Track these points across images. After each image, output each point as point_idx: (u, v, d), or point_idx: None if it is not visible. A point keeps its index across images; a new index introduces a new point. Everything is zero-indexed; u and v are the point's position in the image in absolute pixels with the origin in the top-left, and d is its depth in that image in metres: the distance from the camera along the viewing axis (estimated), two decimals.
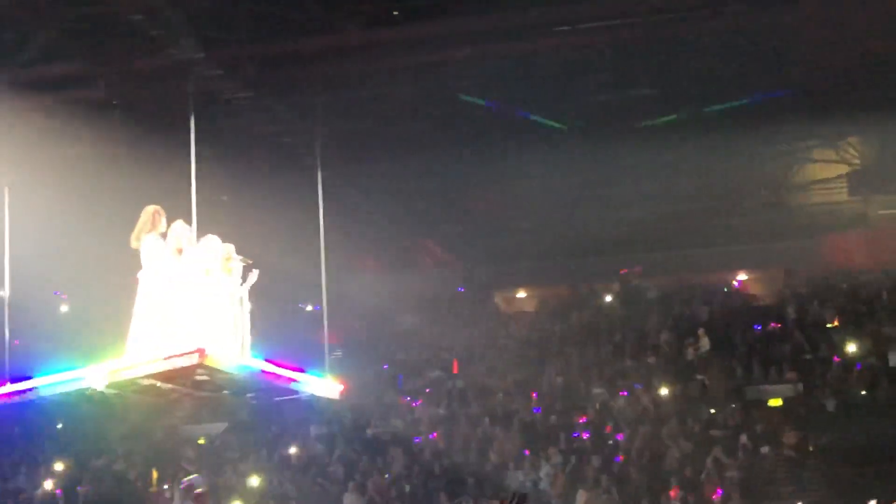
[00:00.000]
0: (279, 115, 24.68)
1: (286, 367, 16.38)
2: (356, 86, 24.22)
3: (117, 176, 26.37)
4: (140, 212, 16.01)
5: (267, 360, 16.15)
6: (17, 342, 34.33)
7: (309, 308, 36.00)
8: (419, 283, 37.19)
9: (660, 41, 23.10)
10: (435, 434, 30.21)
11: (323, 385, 17.31)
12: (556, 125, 22.40)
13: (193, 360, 14.60)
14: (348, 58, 22.65)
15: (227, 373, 15.31)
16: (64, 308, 36.11)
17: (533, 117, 22.22)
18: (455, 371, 33.48)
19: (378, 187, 30.62)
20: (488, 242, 36.48)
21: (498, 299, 37.94)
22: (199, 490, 17.65)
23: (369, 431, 30.92)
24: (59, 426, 32.11)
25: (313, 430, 31.16)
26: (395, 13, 22.15)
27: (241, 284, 16.38)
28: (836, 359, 30.20)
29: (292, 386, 16.55)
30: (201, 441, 31.90)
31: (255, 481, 28.99)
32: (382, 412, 31.55)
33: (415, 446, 29.89)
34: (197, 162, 19.42)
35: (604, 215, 34.34)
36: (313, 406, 27.91)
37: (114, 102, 23.11)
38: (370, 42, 22.17)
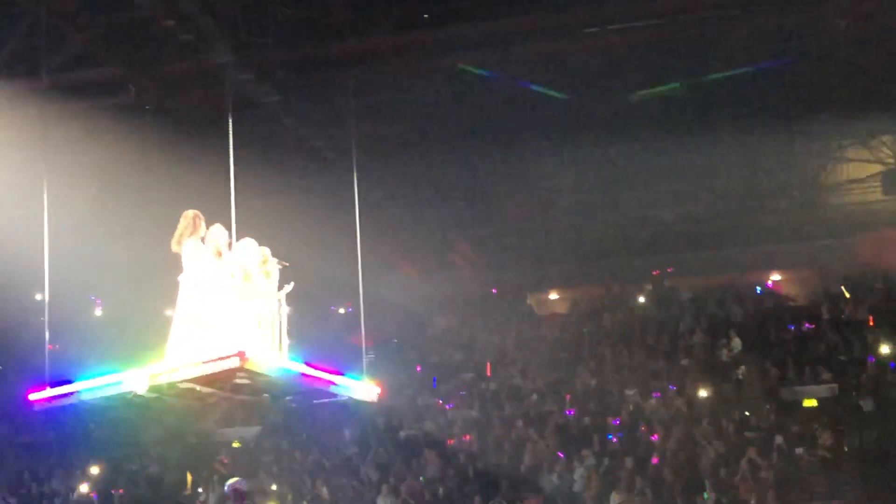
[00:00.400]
0: (311, 118, 24.76)
1: (324, 370, 16.42)
2: (387, 89, 24.27)
3: (151, 180, 26.56)
4: (173, 216, 16.09)
5: (305, 363, 16.19)
6: (51, 346, 34.67)
7: (341, 311, 36.11)
8: (452, 286, 37.21)
9: (689, 41, 23.02)
10: (468, 436, 30.21)
11: (361, 387, 17.32)
12: (557, 94, 22.25)
13: (234, 363, 14.64)
14: (379, 61, 22.68)
15: (266, 376, 15.35)
16: (98, 312, 36.35)
17: (533, 87, 22.08)
18: (488, 373, 33.47)
19: (410, 190, 30.66)
20: (521, 244, 36.47)
21: (531, 301, 37.90)
22: (244, 491, 17.68)
23: (402, 434, 30.94)
24: (94, 430, 32.26)
25: (347, 433, 31.21)
26: (426, 16, 22.16)
27: (279, 288, 16.43)
28: (870, 359, 30.04)
29: (331, 389, 16.58)
30: (235, 444, 32.02)
31: (288, 484, 29.07)
32: (416, 414, 31.58)
33: (448, 449, 29.90)
34: (238, 167, 19.55)
35: (636, 216, 34.29)
36: (347, 409, 27.98)
37: (146, 107, 23.23)
38: (401, 45, 22.20)
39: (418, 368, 34.19)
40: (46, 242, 17.67)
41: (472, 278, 37.70)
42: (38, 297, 33.59)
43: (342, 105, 24.51)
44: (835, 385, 29.65)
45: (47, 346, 18.03)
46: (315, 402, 18.00)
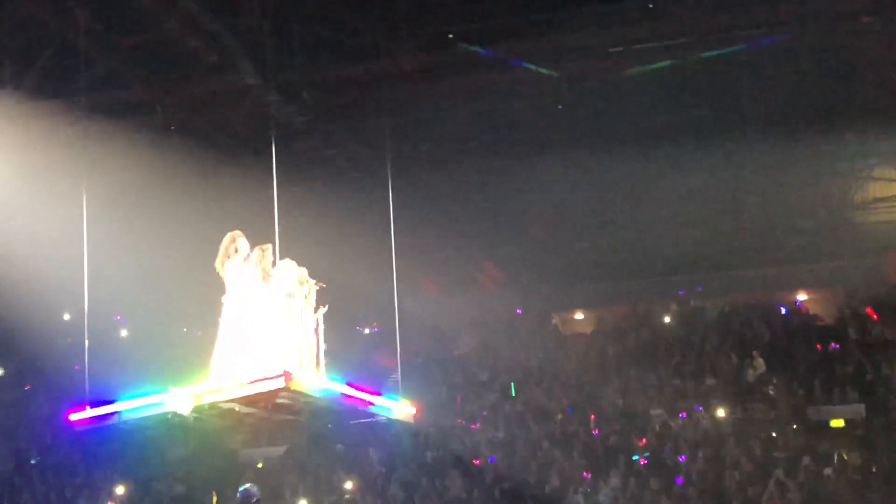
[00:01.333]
0: (338, 139, 24.83)
1: (364, 390, 16.46)
2: (412, 109, 24.32)
3: (178, 200, 26.65)
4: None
5: (346, 383, 16.24)
6: (77, 367, 34.81)
7: (367, 331, 36.08)
8: (477, 306, 37.14)
9: (715, 61, 23.01)
10: (494, 457, 30.12)
11: (398, 408, 17.33)
12: (547, 72, 22.18)
13: (279, 383, 14.68)
14: (404, 82, 22.74)
15: (309, 396, 15.37)
16: (123, 332, 36.44)
17: (525, 65, 22.03)
18: (514, 393, 33.37)
19: (435, 210, 30.66)
20: (546, 264, 36.40)
21: (556, 321, 37.77)
22: (255, 499, 17.66)
23: (428, 454, 30.86)
24: (121, 451, 32.28)
25: (372, 453, 31.15)
26: (450, 36, 22.22)
27: (316, 308, 16.48)
28: None
29: (369, 409, 16.59)
30: (260, 465, 31.99)
31: None
32: (441, 435, 31.49)
33: (474, 469, 29.80)
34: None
35: (662, 235, 34.21)
36: (372, 429, 27.93)
37: (171, 127, 23.34)
38: (426, 66, 22.25)
39: (443, 389, 34.09)
40: (86, 264, 17.69)
41: (497, 298, 37.62)
42: (67, 316, 33.92)
43: (367, 125, 24.63)
44: (862, 405, 29.45)
45: (87, 367, 18.03)
46: (353, 422, 18.02)
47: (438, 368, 34.82)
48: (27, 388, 35.81)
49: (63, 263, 27.04)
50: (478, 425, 31.91)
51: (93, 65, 22.12)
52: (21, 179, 24.72)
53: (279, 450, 32.52)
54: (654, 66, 23.20)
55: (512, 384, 33.56)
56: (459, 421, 32.20)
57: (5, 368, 37.17)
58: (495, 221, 33.11)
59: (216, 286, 16.37)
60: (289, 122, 22.12)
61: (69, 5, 20.93)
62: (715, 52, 22.36)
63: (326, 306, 16.50)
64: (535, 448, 30.01)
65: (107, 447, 31.75)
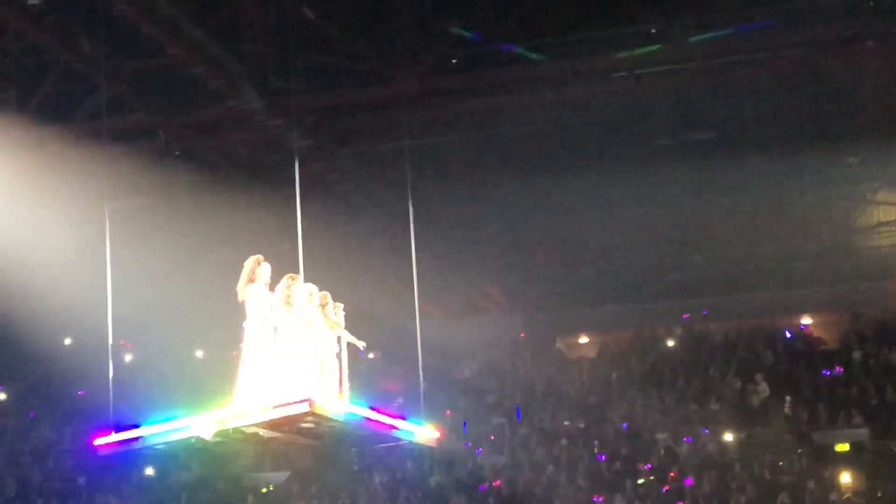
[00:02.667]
0: (342, 164, 24.87)
1: (387, 414, 16.44)
2: (415, 134, 24.34)
3: (185, 225, 26.70)
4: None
5: (370, 407, 16.22)
6: (81, 392, 34.81)
7: (370, 356, 36.01)
8: (481, 330, 37.11)
9: (719, 85, 23.05)
10: (498, 481, 30.05)
11: (421, 432, 17.32)
12: (535, 55, 22.14)
13: (303, 408, 14.66)
14: (407, 106, 22.78)
15: (333, 420, 15.36)
16: (128, 357, 36.42)
17: (516, 49, 22.01)
18: (518, 418, 33.31)
19: (438, 234, 30.67)
20: (550, 288, 36.40)
21: (560, 345, 37.74)
22: None
23: (432, 479, 30.79)
24: (124, 475, 32.24)
25: (377, 479, 31.09)
26: (454, 61, 22.27)
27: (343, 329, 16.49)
28: None
29: (392, 433, 16.57)
30: (264, 490, 31.92)
31: None
32: (446, 460, 31.41)
33: (478, 494, 29.74)
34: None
35: (666, 260, 34.22)
36: (377, 454, 27.89)
37: (176, 153, 23.40)
38: (430, 90, 22.29)
39: (448, 413, 34.02)
40: (109, 261, 17.66)
41: (501, 322, 37.61)
42: (67, 341, 33.94)
43: (373, 150, 24.68)
44: (867, 429, 29.38)
45: (111, 392, 17.97)
46: (376, 446, 18.00)
47: (442, 393, 34.75)
48: (32, 415, 35.77)
49: (67, 288, 27.17)
50: (482, 450, 31.84)
51: (98, 90, 22.20)
52: (28, 203, 24.79)
53: (283, 474, 32.46)
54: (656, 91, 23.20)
55: (517, 409, 33.51)
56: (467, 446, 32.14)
57: (10, 393, 37.17)
58: (500, 246, 33.12)
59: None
60: (292, 147, 22.10)
61: (75, 32, 21.02)
62: (716, 77, 22.31)
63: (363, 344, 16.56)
64: (540, 472, 29.94)
65: (110, 472, 31.72)
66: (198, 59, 20.06)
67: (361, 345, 16.80)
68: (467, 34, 21.77)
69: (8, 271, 26.85)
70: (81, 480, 32.24)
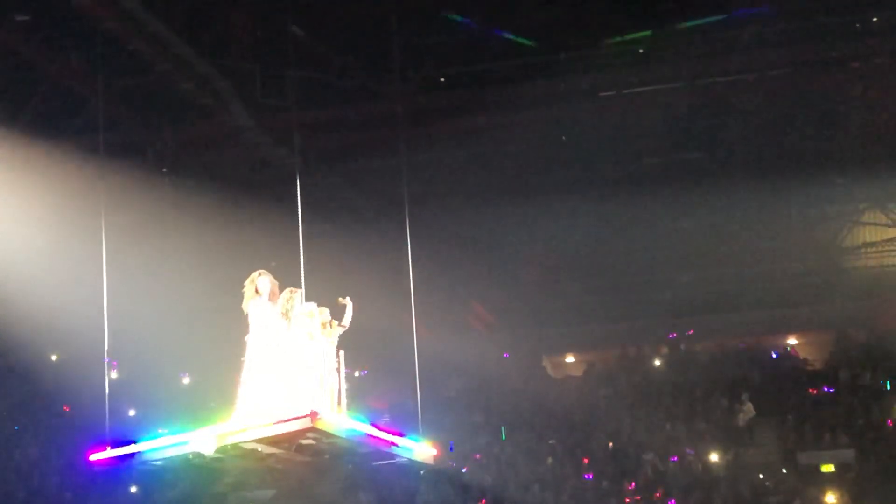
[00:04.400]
0: (330, 181, 24.87)
1: (388, 431, 16.40)
2: (402, 152, 24.37)
3: (175, 241, 26.69)
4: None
5: (371, 424, 16.19)
6: (67, 408, 34.69)
7: (356, 374, 35.95)
8: (468, 348, 37.09)
9: (707, 105, 23.13)
10: (484, 500, 30.00)
11: (419, 449, 17.28)
12: (526, 42, 22.16)
13: (305, 424, 14.61)
14: (395, 124, 22.81)
15: (334, 436, 15.31)
16: (114, 374, 36.30)
17: (505, 35, 22.02)
18: (504, 437, 33.27)
19: (424, 252, 30.66)
20: (537, 306, 36.41)
21: (547, 363, 37.74)
22: None
23: (419, 499, 30.74)
24: (109, 493, 32.13)
25: (363, 497, 31.01)
26: (442, 80, 22.32)
27: (340, 325, 16.47)
28: (889, 423, 29.82)
29: (391, 450, 16.53)
30: None
31: None
32: (432, 478, 31.35)
33: None
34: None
35: (652, 279, 34.26)
36: (362, 471, 27.81)
37: (164, 170, 23.39)
38: (418, 108, 22.32)
39: (433, 432, 33.97)
40: (105, 305, 17.64)
41: (487, 340, 37.60)
42: (54, 357, 33.85)
43: (360, 167, 24.68)
44: (853, 450, 29.40)
45: (107, 407, 17.91)
46: (374, 463, 17.95)
47: (428, 411, 34.68)
48: (16, 428, 35.63)
49: (54, 304, 27.12)
50: (468, 469, 31.79)
51: (87, 107, 22.22)
52: (17, 219, 24.76)
53: (268, 493, 32.36)
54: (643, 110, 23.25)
55: (503, 428, 33.49)
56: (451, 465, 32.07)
57: None
58: (486, 264, 33.12)
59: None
60: (282, 164, 22.15)
61: (64, 48, 21.04)
62: (703, 97, 22.38)
63: (350, 304, 16.52)
64: (526, 490, 29.90)
65: (95, 490, 31.61)
66: (187, 76, 20.07)
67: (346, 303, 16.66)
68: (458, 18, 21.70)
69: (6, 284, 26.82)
70: (67, 497, 32.10)
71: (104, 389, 18.08)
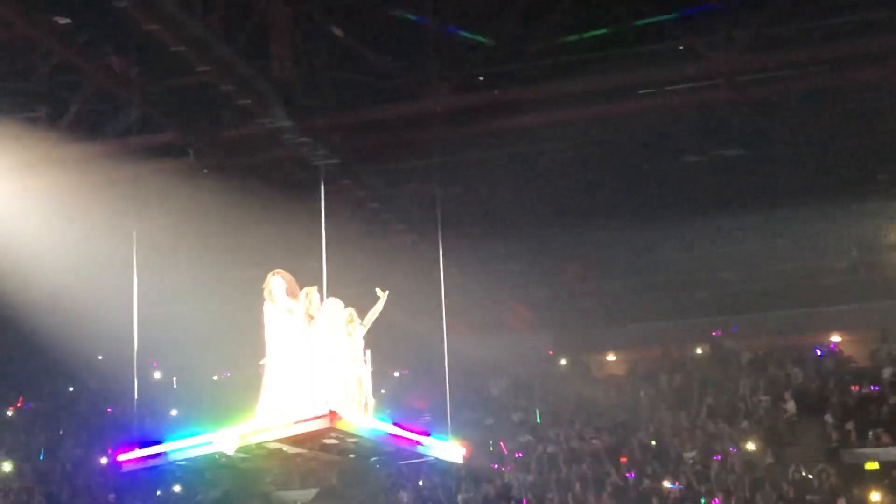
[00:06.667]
0: (370, 182, 24.91)
1: (412, 431, 16.41)
2: (443, 152, 24.38)
3: (214, 242, 26.83)
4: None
5: (394, 423, 16.21)
6: (110, 409, 34.96)
7: (396, 374, 36.04)
8: (509, 347, 37.10)
9: (747, 101, 22.98)
10: (526, 500, 30.01)
11: (447, 448, 17.27)
12: (481, 39, 22.08)
13: (325, 423, 14.66)
14: (435, 124, 22.82)
15: (356, 436, 15.34)
16: (157, 375, 36.59)
17: (460, 32, 21.94)
18: (546, 436, 33.26)
19: (466, 252, 30.71)
20: (578, 305, 36.38)
21: (588, 363, 37.70)
22: None
23: (460, 497, 30.76)
24: (153, 492, 32.35)
25: (404, 496, 31.09)
26: (480, 79, 22.30)
27: (364, 348, 16.49)
28: None
29: (417, 449, 16.54)
30: None
31: None
32: (473, 477, 31.39)
33: None
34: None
35: (695, 277, 34.15)
36: (402, 471, 27.88)
37: (205, 171, 23.50)
38: (455, 108, 22.31)
39: (474, 431, 33.99)
40: (136, 283, 17.77)
41: (529, 339, 37.60)
42: (99, 358, 34.11)
43: (401, 168, 24.70)
44: None
45: (135, 408, 18.03)
46: (401, 462, 17.97)
47: (469, 410, 34.75)
48: (61, 432, 35.95)
49: (98, 305, 27.34)
50: (509, 468, 31.80)
51: (127, 108, 22.37)
52: (59, 221, 24.96)
53: (311, 492, 32.48)
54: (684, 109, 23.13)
55: (537, 412, 33.52)
56: (495, 466, 32.08)
57: (40, 409, 37.39)
58: (529, 263, 33.11)
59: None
60: (319, 165, 22.18)
61: (105, 50, 21.18)
62: (743, 94, 22.22)
63: (384, 296, 16.54)
64: (568, 490, 29.87)
65: (139, 490, 31.85)
66: (226, 78, 20.14)
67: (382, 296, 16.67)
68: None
69: (40, 288, 27.06)
70: (111, 497, 32.34)
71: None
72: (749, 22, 21.03)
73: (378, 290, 16.73)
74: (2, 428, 36.39)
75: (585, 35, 21.80)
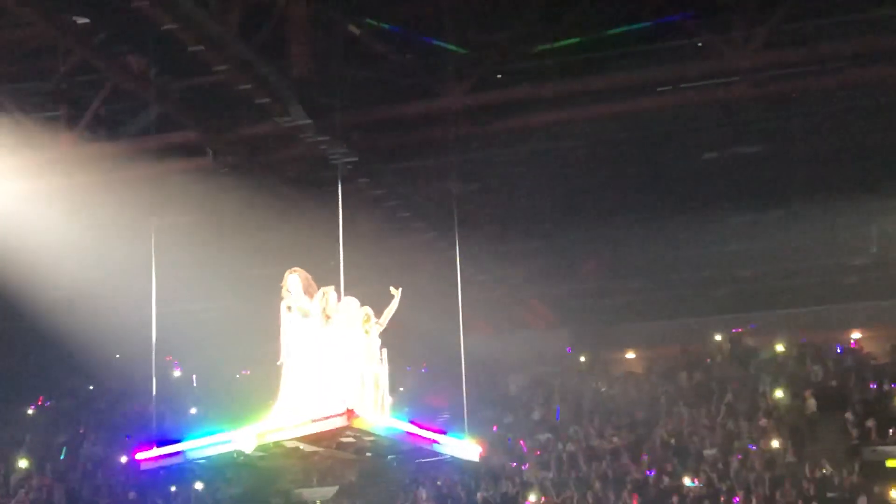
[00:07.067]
0: (388, 180, 24.94)
1: (428, 429, 16.42)
2: (462, 149, 24.38)
3: (232, 241, 26.87)
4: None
5: (410, 422, 16.22)
6: (136, 407, 35.04)
7: (414, 371, 36.02)
8: (527, 345, 37.09)
9: (767, 98, 22.93)
10: (545, 498, 29.99)
11: (463, 447, 17.28)
12: (460, 50, 22.05)
13: (342, 422, 14.69)
14: (454, 122, 22.82)
15: (373, 434, 15.36)
16: (177, 373, 36.69)
17: (435, 42, 21.92)
18: (564, 433, 33.23)
19: (486, 250, 30.71)
20: (597, 303, 36.34)
21: (607, 360, 37.66)
22: None
23: (479, 495, 30.76)
24: (174, 490, 32.44)
25: (423, 494, 31.10)
26: (498, 76, 22.29)
27: (380, 346, 16.50)
28: None
29: (433, 448, 16.55)
30: None
31: None
32: (492, 475, 31.39)
33: None
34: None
35: (714, 274, 34.07)
36: (423, 469, 27.87)
37: (223, 170, 23.55)
38: (473, 106, 22.31)
39: (494, 428, 34.01)
40: (154, 281, 17.84)
41: (547, 337, 37.58)
42: (117, 356, 34.19)
43: (420, 166, 24.71)
44: None
45: (154, 407, 18.11)
46: (417, 460, 18.01)
47: (488, 408, 34.78)
48: (81, 430, 36.08)
49: (118, 303, 27.43)
50: (528, 466, 31.80)
51: (146, 108, 22.44)
52: (77, 220, 25.05)
53: (331, 489, 32.52)
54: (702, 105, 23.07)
55: (557, 408, 33.50)
56: (513, 464, 32.07)
57: (60, 407, 37.54)
58: (547, 261, 33.08)
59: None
60: (337, 163, 22.22)
61: (123, 50, 21.24)
62: (763, 91, 22.16)
63: (398, 295, 16.54)
64: (587, 488, 29.85)
65: (159, 487, 31.93)
66: (244, 77, 20.17)
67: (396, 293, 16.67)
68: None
69: (59, 287, 27.16)
70: (131, 495, 32.44)
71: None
72: (767, 18, 20.97)
73: (392, 289, 16.74)
74: (23, 427, 36.54)
75: (603, 33, 21.75)
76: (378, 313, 16.60)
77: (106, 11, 20.12)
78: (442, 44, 21.70)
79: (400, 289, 16.64)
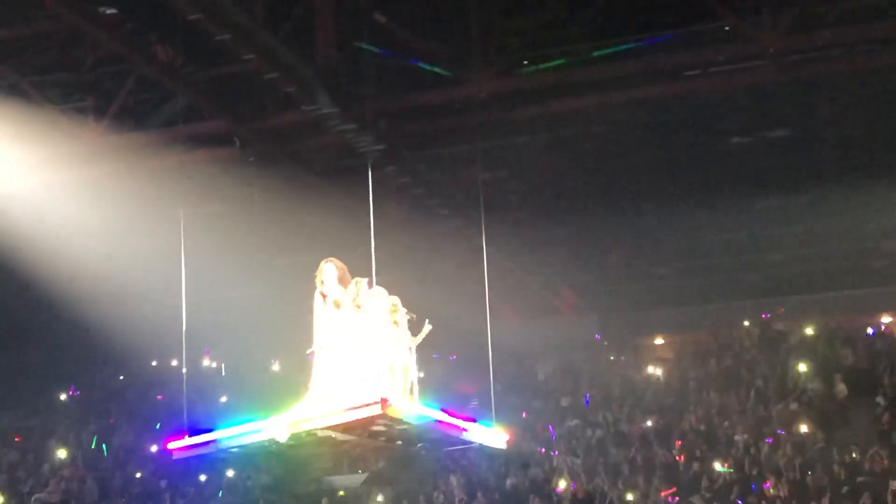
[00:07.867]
0: (416, 168, 24.96)
1: (459, 417, 16.46)
2: (489, 136, 24.38)
3: (262, 231, 26.95)
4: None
5: (441, 410, 16.25)
6: (161, 397, 35.20)
7: (444, 359, 36.03)
8: (556, 331, 37.07)
9: (795, 81, 22.84)
10: (575, 484, 29.96)
11: (491, 434, 17.32)
12: (445, 72, 22.02)
13: (375, 410, 14.70)
14: (481, 108, 22.82)
15: (405, 423, 15.40)
16: (207, 362, 36.81)
17: (420, 65, 21.90)
18: (594, 419, 33.21)
19: (513, 236, 30.71)
20: (625, 289, 36.29)
21: (636, 346, 37.60)
22: None
23: (508, 482, 30.77)
24: (204, 478, 32.56)
25: (453, 481, 31.12)
26: (525, 63, 22.28)
27: (412, 335, 16.49)
28: None
29: (463, 436, 16.58)
30: (341, 493, 32.08)
31: None
32: (521, 462, 31.39)
33: (555, 496, 29.69)
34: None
35: (743, 259, 33.97)
36: (452, 456, 27.91)
37: (250, 159, 23.62)
38: (499, 92, 22.30)
39: (524, 415, 34.01)
40: (184, 268, 17.92)
41: (576, 323, 37.56)
42: (150, 345, 34.32)
43: (448, 153, 24.72)
44: None
45: (185, 395, 18.19)
46: (447, 449, 18.02)
47: (517, 395, 34.76)
48: (111, 420, 36.26)
49: (146, 293, 27.54)
50: (557, 452, 31.78)
51: (173, 98, 22.52)
52: (106, 210, 25.17)
53: (360, 477, 32.61)
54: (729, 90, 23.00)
55: (586, 395, 33.46)
56: (542, 450, 32.06)
57: (90, 398, 37.71)
58: (575, 247, 33.06)
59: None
60: (366, 151, 22.25)
61: (150, 40, 21.32)
62: (789, 74, 22.07)
63: (428, 326, 16.53)
64: (616, 474, 29.82)
65: (191, 476, 32.05)
66: (271, 66, 20.22)
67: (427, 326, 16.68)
68: None
69: (88, 278, 27.28)
70: (163, 483, 32.58)
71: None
72: (795, 1, 20.88)
73: (427, 322, 16.72)
74: (54, 417, 36.76)
75: (629, 18, 21.73)
76: (405, 303, 16.62)
77: (133, 2, 20.24)
78: (425, 66, 21.71)
79: (431, 325, 16.61)
